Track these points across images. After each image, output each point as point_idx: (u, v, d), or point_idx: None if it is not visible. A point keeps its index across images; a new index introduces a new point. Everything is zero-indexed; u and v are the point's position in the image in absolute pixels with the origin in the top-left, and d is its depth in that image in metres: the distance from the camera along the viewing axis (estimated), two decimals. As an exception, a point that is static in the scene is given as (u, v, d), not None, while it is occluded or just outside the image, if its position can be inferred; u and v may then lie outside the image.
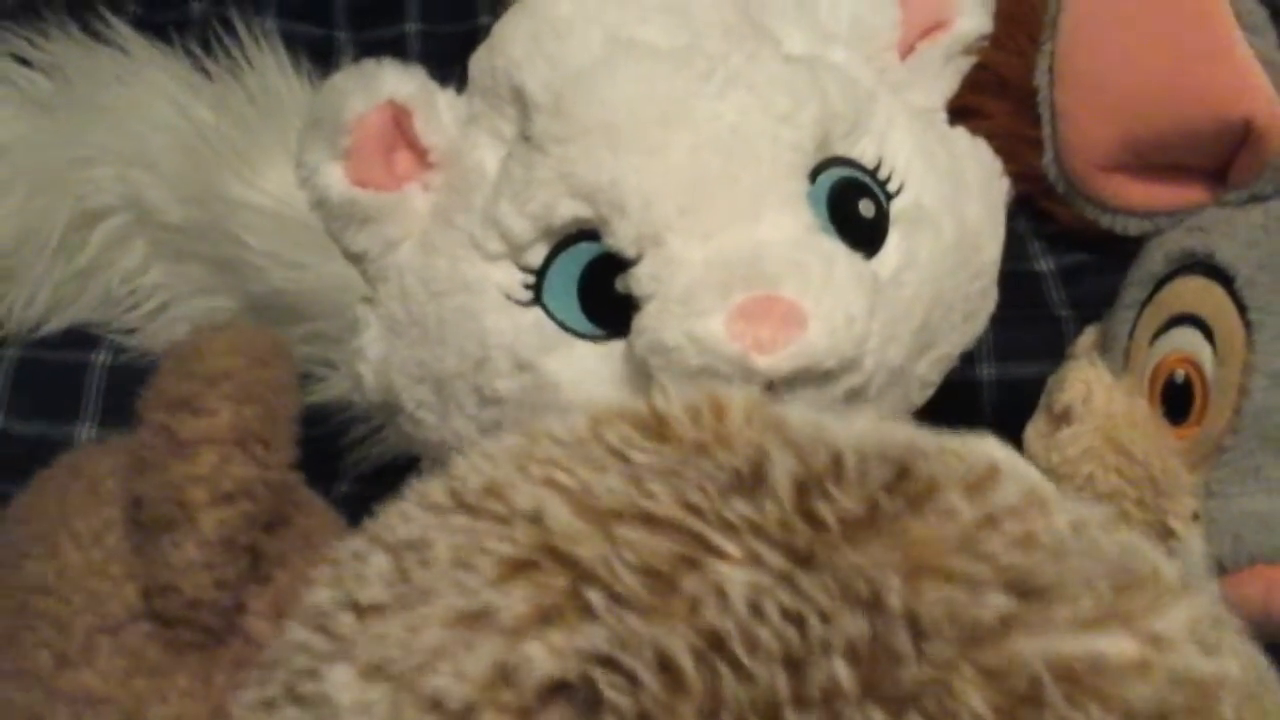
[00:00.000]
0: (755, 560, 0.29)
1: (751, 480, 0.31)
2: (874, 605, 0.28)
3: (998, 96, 0.86)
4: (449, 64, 0.62)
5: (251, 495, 0.49)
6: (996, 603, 0.29)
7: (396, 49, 1.01)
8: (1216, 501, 0.56)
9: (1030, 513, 0.31)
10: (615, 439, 0.33)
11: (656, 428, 0.34)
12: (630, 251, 0.53)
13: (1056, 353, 0.69)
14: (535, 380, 0.54)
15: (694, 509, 0.30)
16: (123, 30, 0.90)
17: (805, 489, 0.31)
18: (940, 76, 0.60)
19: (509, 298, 0.55)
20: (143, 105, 0.86)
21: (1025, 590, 0.29)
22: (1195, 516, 0.57)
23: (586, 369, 0.54)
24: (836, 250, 0.53)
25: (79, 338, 0.85)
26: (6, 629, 0.52)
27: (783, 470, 0.31)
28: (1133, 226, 0.64)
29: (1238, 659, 0.31)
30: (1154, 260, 0.62)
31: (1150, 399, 0.59)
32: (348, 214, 0.57)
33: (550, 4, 0.56)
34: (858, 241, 0.54)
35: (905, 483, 0.31)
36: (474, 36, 0.71)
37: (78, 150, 0.86)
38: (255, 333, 0.53)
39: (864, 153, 0.56)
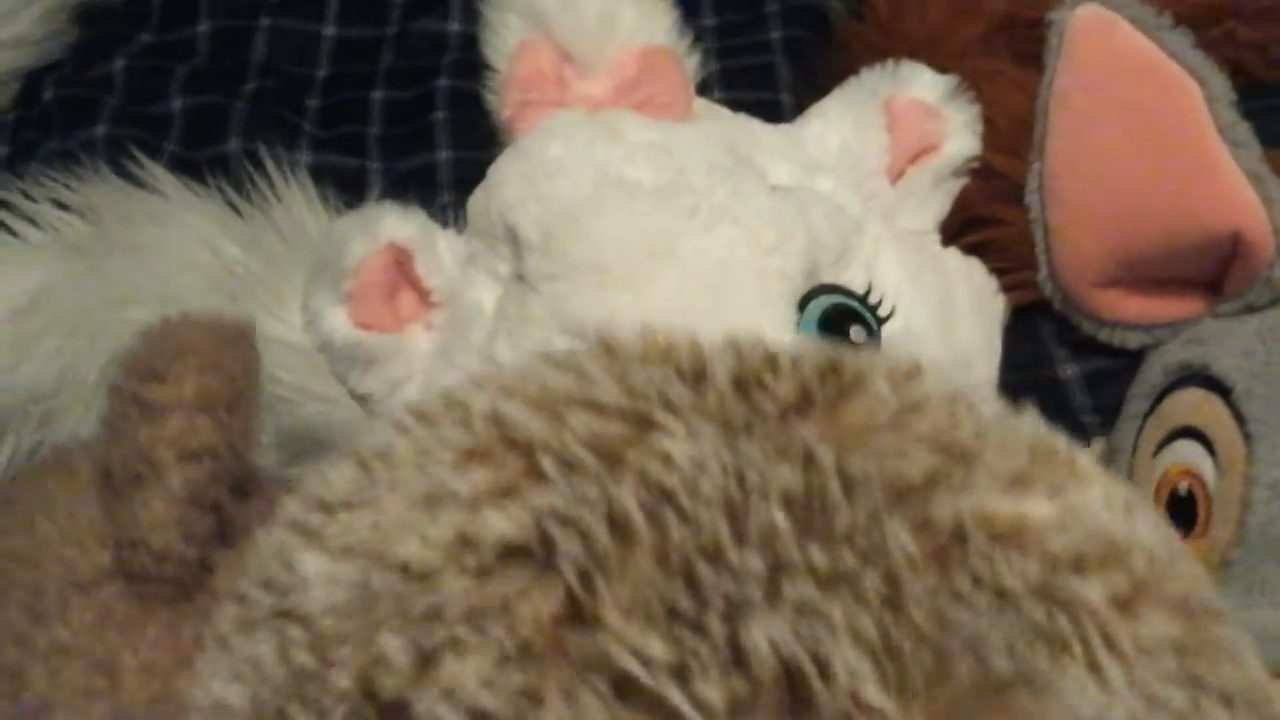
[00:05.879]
0: (697, 435, 0.31)
1: (692, 376, 0.33)
2: (807, 462, 0.30)
3: (1014, 203, 0.86)
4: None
5: (216, 455, 0.52)
6: (921, 461, 0.31)
7: (427, 177, 1.02)
8: (1225, 615, 0.56)
9: (955, 404, 0.33)
10: (564, 359, 0.36)
11: (604, 350, 0.36)
12: (622, 387, 0.53)
13: (1083, 460, 0.68)
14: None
15: (638, 394, 0.33)
16: (157, 173, 0.92)
17: (743, 382, 0.33)
18: (930, 200, 0.61)
19: (509, 436, 0.55)
20: (175, 246, 0.88)
21: (948, 452, 0.31)
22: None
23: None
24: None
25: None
26: None
27: (722, 368, 0.33)
28: (1131, 339, 0.64)
29: (1150, 530, 0.32)
30: (1154, 373, 0.62)
31: (1157, 512, 0.59)
32: (351, 356, 0.59)
33: (541, 146, 0.58)
34: (849, 367, 0.55)
35: (835, 374, 0.33)
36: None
37: (114, 291, 0.87)
38: (218, 316, 0.57)
39: (853, 279, 0.57)
